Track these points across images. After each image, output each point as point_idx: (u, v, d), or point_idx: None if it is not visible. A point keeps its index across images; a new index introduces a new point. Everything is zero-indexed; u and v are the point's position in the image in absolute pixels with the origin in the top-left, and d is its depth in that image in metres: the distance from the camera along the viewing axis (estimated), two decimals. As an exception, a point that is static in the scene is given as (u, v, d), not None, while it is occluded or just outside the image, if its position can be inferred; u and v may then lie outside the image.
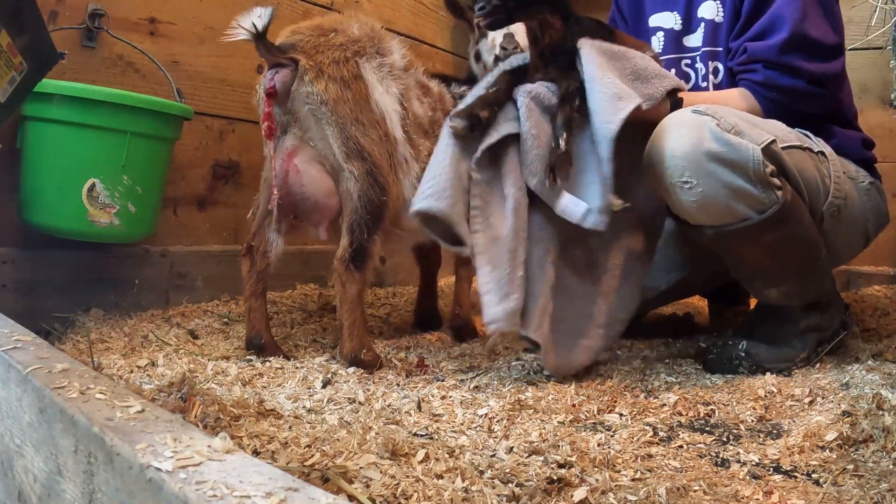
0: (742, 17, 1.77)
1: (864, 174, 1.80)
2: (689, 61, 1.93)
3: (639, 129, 1.53)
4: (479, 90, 1.60)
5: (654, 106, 1.55)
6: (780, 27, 1.69)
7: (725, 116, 1.49)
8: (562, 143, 1.46)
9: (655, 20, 1.98)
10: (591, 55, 1.51)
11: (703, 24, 1.87)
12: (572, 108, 1.48)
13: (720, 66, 1.88)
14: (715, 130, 1.44)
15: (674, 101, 1.63)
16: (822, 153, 1.71)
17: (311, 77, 1.65)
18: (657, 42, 1.98)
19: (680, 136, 1.46)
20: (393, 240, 1.93)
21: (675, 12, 1.92)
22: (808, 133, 1.73)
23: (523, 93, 1.53)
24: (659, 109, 1.57)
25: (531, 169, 1.50)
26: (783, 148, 1.55)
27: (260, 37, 1.58)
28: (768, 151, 1.48)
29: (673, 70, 1.91)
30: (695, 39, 1.90)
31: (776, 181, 1.49)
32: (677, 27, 1.93)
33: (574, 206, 1.48)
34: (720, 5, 1.84)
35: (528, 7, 1.50)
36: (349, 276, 1.67)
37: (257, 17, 1.56)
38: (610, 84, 1.47)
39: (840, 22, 1.73)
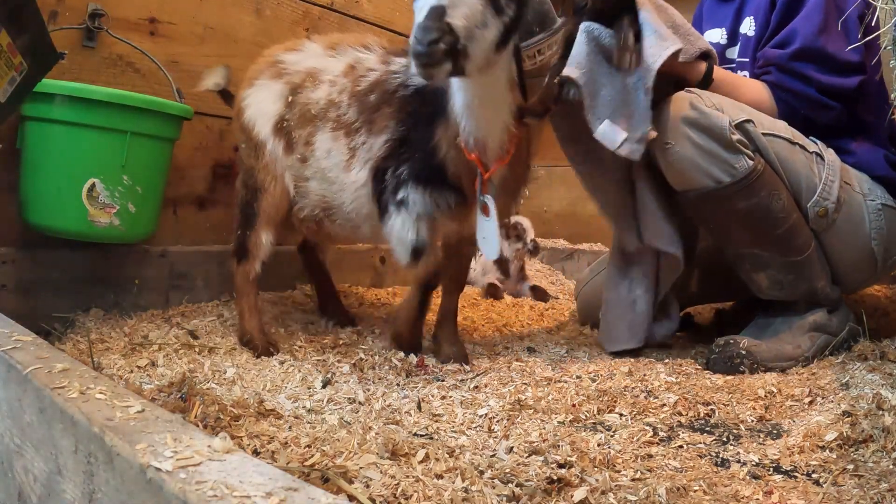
0: (769, 31, 1.89)
1: (879, 194, 1.80)
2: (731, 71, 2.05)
3: (669, 83, 1.67)
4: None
5: (689, 63, 1.73)
6: (794, 39, 1.79)
7: (710, 97, 1.67)
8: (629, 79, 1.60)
9: (708, 36, 2.11)
10: (645, 3, 1.66)
11: (741, 38, 2.00)
12: (631, 50, 1.61)
13: (747, 75, 1.97)
14: (694, 102, 1.65)
15: (709, 65, 1.77)
16: (820, 155, 1.75)
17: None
18: None
19: (666, 107, 1.66)
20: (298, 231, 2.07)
21: (723, 28, 2.06)
22: (815, 140, 1.78)
23: (583, 29, 1.64)
24: (694, 69, 1.76)
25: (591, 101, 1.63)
26: (766, 134, 1.68)
27: (223, 92, 2.09)
28: (741, 127, 1.64)
29: None
30: (735, 52, 2.03)
31: (746, 150, 1.63)
32: (723, 41, 2.06)
33: (613, 134, 1.61)
34: (753, 20, 1.95)
35: None
36: (236, 269, 1.92)
37: (220, 77, 2.09)
38: (658, 27, 1.63)
39: (860, 47, 1.73)
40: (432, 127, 1.65)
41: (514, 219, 2.84)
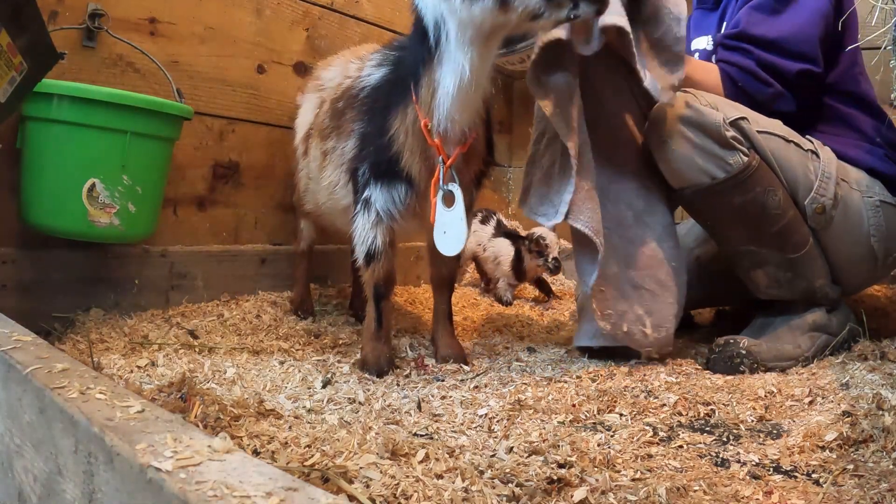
0: (731, 24, 1.94)
1: (877, 191, 1.81)
2: None
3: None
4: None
5: None
6: (740, 22, 1.86)
7: (706, 96, 1.71)
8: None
9: (695, 44, 2.17)
10: None
11: None
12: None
13: None
14: (689, 101, 1.69)
15: None
16: (815, 153, 1.76)
17: None
18: None
19: (663, 107, 1.72)
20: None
21: (709, 36, 2.12)
22: (811, 138, 1.80)
23: None
24: None
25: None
26: (761, 132, 1.71)
27: None
28: (736, 125, 1.68)
29: None
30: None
31: (740, 146, 1.66)
32: (709, 48, 2.11)
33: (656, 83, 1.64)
34: (727, 24, 2.01)
35: None
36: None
37: None
38: None
39: (813, 41, 1.77)
40: (388, 118, 1.64)
41: (536, 231, 2.68)
